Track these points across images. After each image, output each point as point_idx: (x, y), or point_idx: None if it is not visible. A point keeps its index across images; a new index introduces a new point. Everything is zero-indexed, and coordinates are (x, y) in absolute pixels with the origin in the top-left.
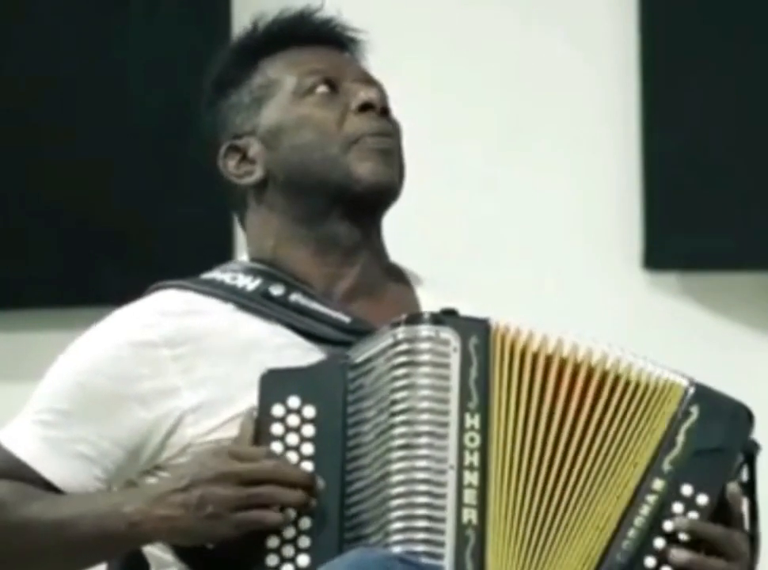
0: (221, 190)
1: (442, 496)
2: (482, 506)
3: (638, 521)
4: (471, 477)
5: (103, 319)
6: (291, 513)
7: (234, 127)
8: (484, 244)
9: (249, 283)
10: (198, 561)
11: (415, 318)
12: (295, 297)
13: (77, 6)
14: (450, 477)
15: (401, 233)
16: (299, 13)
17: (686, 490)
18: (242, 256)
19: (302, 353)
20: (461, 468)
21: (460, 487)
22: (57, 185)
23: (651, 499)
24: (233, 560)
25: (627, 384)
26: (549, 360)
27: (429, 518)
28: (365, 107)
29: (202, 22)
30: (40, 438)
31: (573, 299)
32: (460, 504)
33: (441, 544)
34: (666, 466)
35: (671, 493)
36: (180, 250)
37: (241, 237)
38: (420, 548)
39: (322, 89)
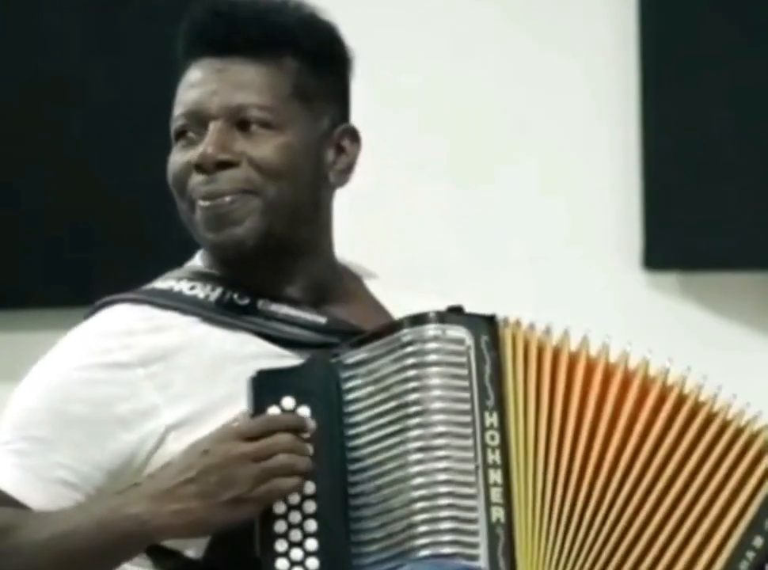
0: None
1: (468, 496)
2: (508, 504)
3: None
4: (495, 475)
5: None
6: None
7: None
8: (484, 244)
9: (210, 293)
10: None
11: (420, 318)
12: (263, 304)
13: (78, 6)
14: (478, 476)
15: (399, 234)
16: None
17: None
18: None
19: (274, 361)
20: (486, 466)
21: (487, 485)
22: (57, 185)
23: (750, 556)
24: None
25: (710, 418)
26: (573, 359)
27: (455, 518)
28: (197, 167)
29: None
30: (18, 467)
31: (573, 299)
32: (488, 503)
33: (473, 545)
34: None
35: None
36: (180, 251)
37: None
38: (448, 549)
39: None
